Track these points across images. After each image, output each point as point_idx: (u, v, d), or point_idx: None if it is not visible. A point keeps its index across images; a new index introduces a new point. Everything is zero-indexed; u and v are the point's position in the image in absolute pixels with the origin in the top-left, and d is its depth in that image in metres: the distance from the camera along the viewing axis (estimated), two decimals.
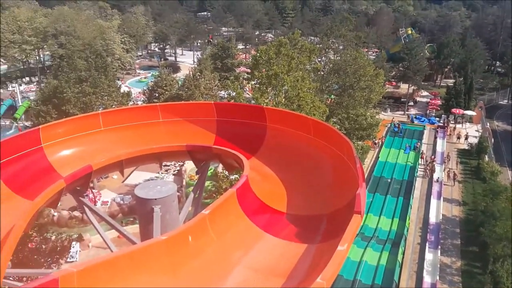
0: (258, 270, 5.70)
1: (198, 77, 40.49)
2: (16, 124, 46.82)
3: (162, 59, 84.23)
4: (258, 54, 29.70)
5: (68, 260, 22.44)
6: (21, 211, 8.13)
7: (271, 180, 8.41)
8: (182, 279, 5.27)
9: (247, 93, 37.62)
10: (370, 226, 28.90)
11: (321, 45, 42.01)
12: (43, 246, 19.22)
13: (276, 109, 11.69)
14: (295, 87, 26.35)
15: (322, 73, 40.21)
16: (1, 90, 59.83)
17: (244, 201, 6.97)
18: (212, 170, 26.64)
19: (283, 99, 26.61)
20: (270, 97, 26.97)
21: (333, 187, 7.79)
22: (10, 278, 10.35)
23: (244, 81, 34.05)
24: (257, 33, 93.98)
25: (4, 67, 68.02)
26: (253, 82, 30.85)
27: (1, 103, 51.79)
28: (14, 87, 57.32)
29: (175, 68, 70.92)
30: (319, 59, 41.07)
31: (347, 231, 5.00)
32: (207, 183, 24.76)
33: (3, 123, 45.55)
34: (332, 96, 40.90)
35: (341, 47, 43.70)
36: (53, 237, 20.18)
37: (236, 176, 22.72)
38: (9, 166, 9.40)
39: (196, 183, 11.33)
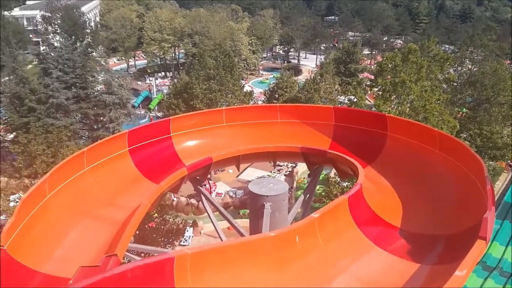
0: (364, 282, 5.49)
1: (319, 80, 40.44)
2: (150, 114, 51.83)
3: (285, 62, 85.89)
4: (383, 61, 28.63)
5: (181, 243, 24.09)
6: (147, 192, 8.95)
7: (386, 192, 8.03)
8: (286, 277, 5.30)
9: (368, 100, 36.51)
10: (494, 256, 25.98)
11: (458, 54, 38.93)
12: (162, 227, 20.96)
13: (399, 118, 11.12)
14: (422, 98, 24.81)
15: (455, 84, 37.24)
16: (140, 83, 66.68)
17: (356, 210, 6.76)
18: (324, 175, 26.40)
19: (408, 109, 25.24)
20: (393, 106, 25.80)
21: (456, 208, 7.16)
22: (131, 252, 11.45)
23: (367, 87, 33.05)
24: (385, 38, 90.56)
25: (144, 61, 75.65)
26: (375, 89, 29.81)
27: (139, 94, 57.76)
28: (151, 81, 63.44)
29: (297, 71, 71.77)
30: (454, 69, 38.11)
31: (468, 256, 4.57)
32: (317, 187, 24.63)
33: (139, 112, 50.68)
34: (464, 109, 37.65)
35: (480, 57, 40.00)
36: (171, 220, 21.87)
37: (349, 184, 22.19)
38: (141, 151, 10.42)
39: (307, 186, 11.32)
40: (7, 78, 44.55)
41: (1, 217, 24.07)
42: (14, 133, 32.72)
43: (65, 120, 32.63)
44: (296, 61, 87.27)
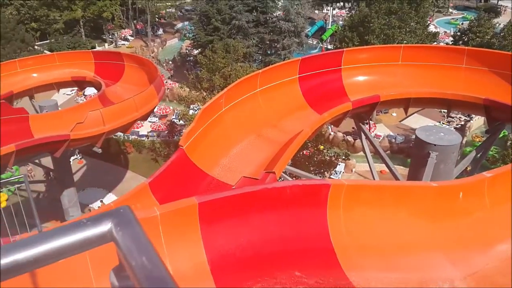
0: None
1: None
2: (321, 45, 51.46)
3: (482, 0, 74.67)
4: None
5: (331, 176, 24.49)
6: (309, 121, 9.23)
7: None
8: (440, 231, 5.04)
9: None
10: None
11: None
12: (315, 157, 21.59)
13: None
14: None
15: None
16: (317, 11, 65.80)
17: None
18: (504, 135, 23.37)
19: None
20: None
21: None
22: (285, 173, 12.17)
23: None
24: None
25: None
26: None
27: (315, 23, 57.33)
28: (328, 10, 62.04)
29: (495, 12, 62.07)
30: None
31: None
32: (491, 147, 22.01)
33: (310, 42, 50.64)
34: None
35: None
36: (325, 151, 22.32)
37: None
38: (309, 80, 10.63)
39: (482, 142, 10.25)
40: None
41: (181, 121, 27.73)
42: (199, 49, 36.37)
43: (243, 42, 34.73)
44: (495, 1, 75.17)
